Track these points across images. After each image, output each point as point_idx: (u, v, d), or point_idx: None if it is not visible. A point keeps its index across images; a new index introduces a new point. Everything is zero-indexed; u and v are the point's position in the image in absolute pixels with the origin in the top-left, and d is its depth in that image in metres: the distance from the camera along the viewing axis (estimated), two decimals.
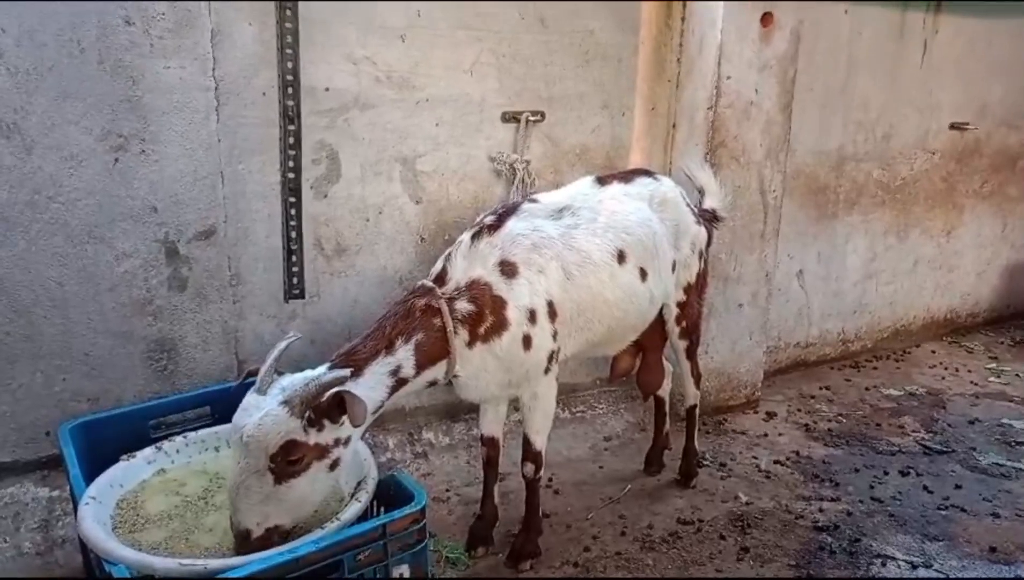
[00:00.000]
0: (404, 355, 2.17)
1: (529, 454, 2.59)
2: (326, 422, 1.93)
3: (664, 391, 3.27)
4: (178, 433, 2.39)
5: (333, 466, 1.99)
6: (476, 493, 2.85)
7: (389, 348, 2.14)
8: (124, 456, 2.22)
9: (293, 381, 1.94)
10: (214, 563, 1.75)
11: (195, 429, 2.40)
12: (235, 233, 2.86)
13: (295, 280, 2.97)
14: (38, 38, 2.45)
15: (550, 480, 3.22)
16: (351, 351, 2.13)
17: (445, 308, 2.24)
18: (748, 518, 2.99)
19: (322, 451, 1.95)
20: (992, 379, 4.57)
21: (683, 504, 3.09)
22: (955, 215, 5.08)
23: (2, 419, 2.64)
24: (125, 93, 2.59)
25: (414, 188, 3.16)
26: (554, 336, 2.44)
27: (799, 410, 4.04)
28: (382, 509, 2.15)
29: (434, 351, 2.23)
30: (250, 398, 1.92)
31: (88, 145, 2.57)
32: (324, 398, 1.91)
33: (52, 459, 2.68)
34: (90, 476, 2.10)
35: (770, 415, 3.95)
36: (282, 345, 2.05)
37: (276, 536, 1.92)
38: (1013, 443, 3.72)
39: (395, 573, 1.96)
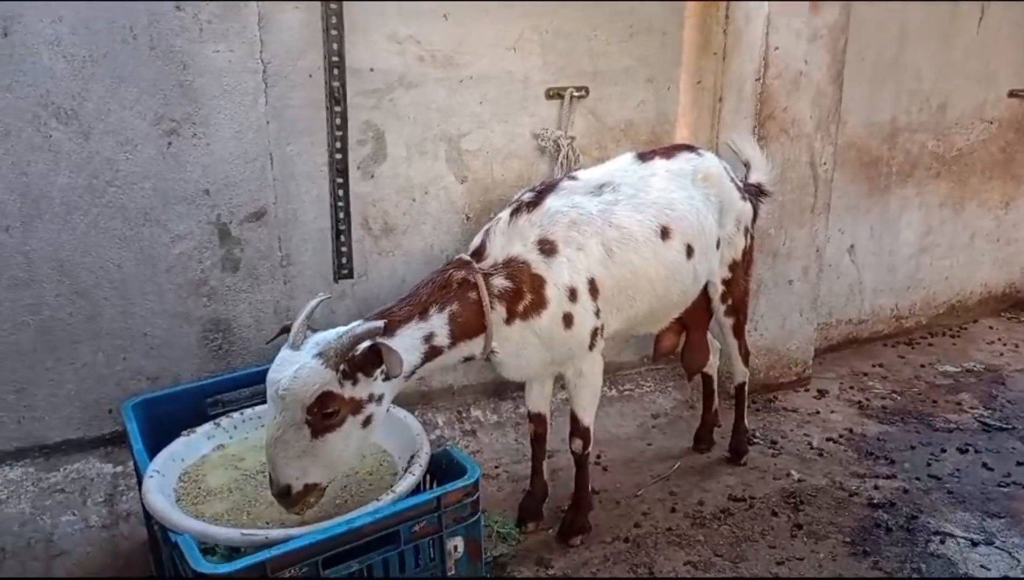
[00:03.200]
0: (438, 323, 2.17)
1: (577, 431, 2.59)
2: (360, 375, 1.94)
3: (711, 369, 3.24)
4: (235, 410, 2.45)
5: (367, 422, 2.01)
6: (525, 470, 2.87)
7: (423, 314, 2.16)
8: (185, 431, 2.28)
9: (327, 336, 1.96)
10: (275, 533, 1.79)
11: (251, 406, 2.46)
12: (285, 214, 2.91)
13: (343, 260, 3.01)
14: (93, 26, 2.51)
15: (598, 457, 3.23)
16: (385, 311, 2.15)
17: (482, 282, 2.24)
18: (801, 495, 2.95)
19: (356, 405, 1.96)
20: None
21: (734, 481, 3.07)
22: (1013, 186, 4.90)
23: (67, 398, 2.74)
24: (176, 78, 2.65)
25: (459, 167, 3.17)
26: (597, 313, 2.42)
27: (851, 387, 3.96)
28: (434, 484, 2.18)
29: (470, 324, 2.23)
30: (284, 353, 1.94)
31: (142, 129, 2.64)
32: (359, 351, 1.92)
33: (115, 436, 2.78)
34: (152, 451, 2.17)
35: (821, 393, 3.89)
36: (314, 302, 2.06)
37: (314, 495, 1.95)
38: None
39: (449, 545, 1.98)
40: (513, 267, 2.32)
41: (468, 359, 2.33)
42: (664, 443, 3.38)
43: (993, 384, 4.02)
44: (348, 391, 1.94)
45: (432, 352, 2.18)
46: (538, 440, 2.74)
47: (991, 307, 5.05)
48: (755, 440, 3.37)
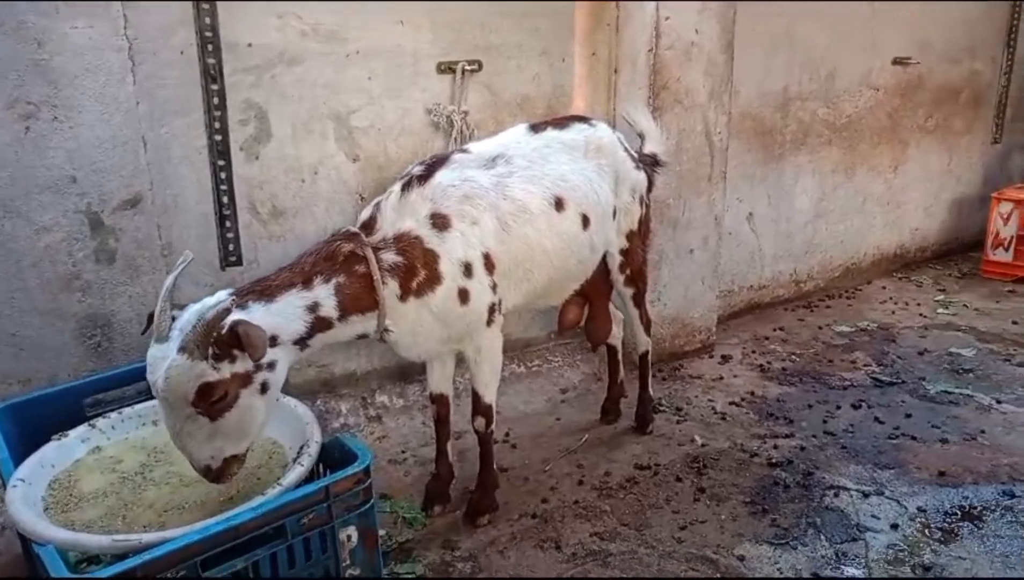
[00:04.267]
0: (323, 293, 2.11)
1: (479, 408, 2.57)
2: (236, 352, 1.86)
3: (615, 339, 3.26)
4: (114, 409, 2.31)
5: (264, 389, 1.96)
6: (432, 453, 2.82)
7: (306, 283, 2.09)
8: (56, 436, 2.13)
9: (186, 321, 1.85)
10: (149, 537, 1.69)
11: (132, 404, 2.32)
12: (163, 200, 2.75)
13: (231, 246, 2.88)
14: None
15: (507, 435, 3.21)
16: (262, 279, 2.09)
17: (371, 256, 2.18)
18: (704, 459, 3.01)
19: (245, 379, 1.90)
20: (940, 311, 4.65)
21: (640, 450, 3.10)
22: (901, 151, 5.12)
23: None
24: (31, 57, 2.45)
25: (350, 145, 3.07)
26: (493, 288, 2.39)
27: (754, 352, 4.07)
28: (328, 473, 2.10)
29: (360, 298, 2.17)
30: (153, 350, 1.85)
31: None
32: (223, 331, 1.84)
33: None
34: (24, 460, 2.02)
35: (725, 358, 3.98)
36: (169, 282, 1.93)
37: (235, 465, 1.94)
38: (960, 371, 3.80)
39: (342, 535, 1.92)
40: (405, 242, 2.26)
41: (362, 337, 2.26)
42: (572, 417, 3.39)
43: (885, 341, 4.19)
44: (228, 370, 1.86)
45: (320, 323, 2.10)
46: (441, 422, 2.70)
47: (883, 268, 5.28)
48: (661, 408, 3.42)
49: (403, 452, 3.09)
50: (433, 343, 2.40)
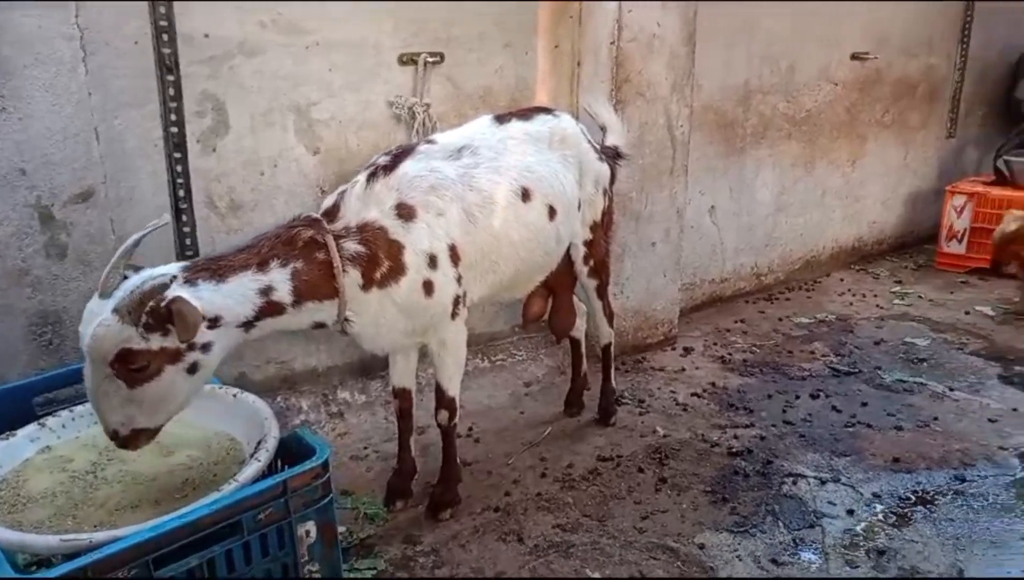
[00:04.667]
0: (279, 278, 2.08)
1: (443, 401, 2.56)
2: (170, 326, 1.84)
3: (579, 332, 3.28)
4: (65, 408, 2.26)
5: (192, 369, 1.93)
6: (395, 449, 2.81)
7: (262, 266, 2.06)
8: (2, 436, 2.08)
9: (132, 284, 1.85)
10: (100, 536, 1.65)
11: (84, 402, 2.27)
12: (117, 194, 2.70)
13: (187, 241, 2.82)
14: None
15: (470, 429, 3.21)
16: (217, 257, 2.07)
17: (332, 244, 2.15)
18: (666, 450, 3.04)
19: (173, 355, 1.88)
20: (896, 302, 4.75)
21: (603, 442, 3.12)
22: (859, 145, 5.21)
23: None
24: None
25: (310, 138, 3.03)
26: (458, 280, 2.38)
27: (715, 344, 4.12)
28: (287, 469, 2.08)
29: (318, 286, 2.14)
30: (91, 303, 1.85)
31: None
32: (161, 304, 1.82)
33: None
34: None
35: (687, 350, 4.02)
36: (130, 242, 1.91)
37: (144, 438, 1.93)
38: (915, 360, 3.89)
39: (300, 531, 1.90)
40: (369, 232, 2.23)
41: (320, 326, 2.23)
42: (536, 410, 3.40)
43: (843, 332, 4.27)
44: (157, 343, 1.84)
45: (271, 308, 2.07)
46: (404, 416, 2.69)
47: (842, 261, 5.37)
48: (624, 400, 3.45)
49: (365, 448, 3.07)
50: (397, 335, 2.38)
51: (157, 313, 1.81)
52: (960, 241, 5.26)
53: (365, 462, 2.98)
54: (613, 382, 3.31)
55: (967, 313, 4.52)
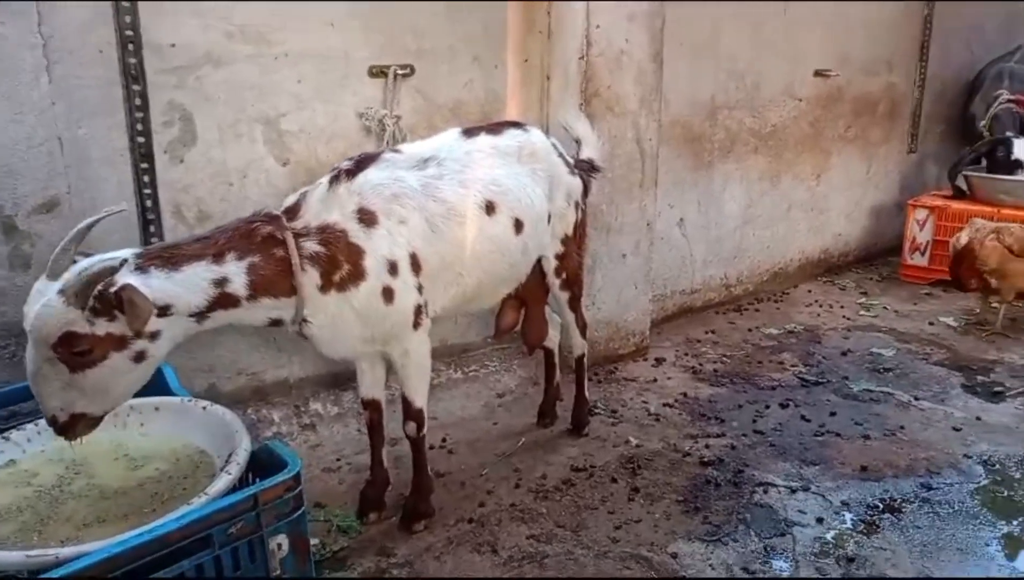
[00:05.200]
0: (234, 270, 2.07)
1: (410, 413, 2.55)
2: (117, 313, 1.83)
3: (551, 342, 3.29)
4: (31, 422, 2.21)
5: (139, 358, 1.92)
6: (367, 460, 2.79)
7: (218, 257, 2.05)
8: None
9: (81, 267, 1.83)
10: (66, 551, 1.62)
11: None
12: (82, 204, 2.66)
13: None
14: None
15: (443, 440, 3.20)
16: (172, 245, 2.06)
17: (291, 241, 2.15)
18: (638, 460, 3.06)
19: (118, 342, 1.87)
20: (863, 313, 4.85)
21: (576, 452, 3.13)
22: (823, 159, 5.33)
23: None
24: None
25: (279, 149, 3.02)
26: (419, 289, 2.38)
27: (686, 354, 4.16)
28: (258, 482, 2.06)
29: (275, 282, 2.13)
30: (39, 283, 1.84)
31: None
32: (110, 289, 1.80)
33: None
34: None
35: (659, 361, 4.06)
36: (83, 225, 1.91)
37: (84, 425, 1.93)
38: (881, 370, 3.97)
39: (272, 544, 1.88)
40: (329, 234, 2.23)
41: (277, 323, 2.23)
42: (509, 421, 3.40)
43: (811, 343, 4.35)
44: (103, 328, 1.83)
45: (225, 299, 2.06)
46: (374, 428, 2.67)
47: (808, 272, 5.47)
48: (596, 411, 3.47)
49: (338, 460, 3.05)
50: (354, 341, 2.37)
51: (105, 298, 1.80)
52: (923, 253, 5.40)
53: (338, 474, 2.96)
54: (586, 393, 3.33)
55: (931, 324, 4.63)
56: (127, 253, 1.94)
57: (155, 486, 2.01)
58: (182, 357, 2.65)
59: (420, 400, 2.54)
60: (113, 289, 1.80)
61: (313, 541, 2.39)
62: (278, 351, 3.18)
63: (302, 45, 2.98)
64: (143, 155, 2.71)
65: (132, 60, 2.62)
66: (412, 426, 2.56)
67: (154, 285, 1.92)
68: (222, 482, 1.87)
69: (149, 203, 2.75)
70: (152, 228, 2.78)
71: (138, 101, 2.66)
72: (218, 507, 1.77)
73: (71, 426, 1.91)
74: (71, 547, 1.65)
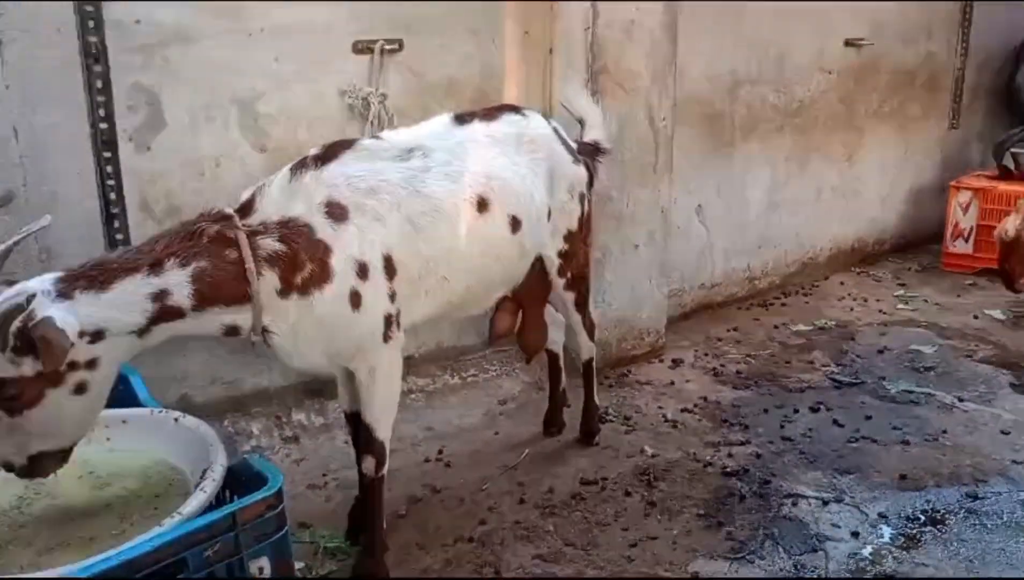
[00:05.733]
0: (176, 280, 2.01)
1: (370, 446, 2.42)
2: None
3: (555, 345, 3.30)
4: None
5: (80, 390, 1.92)
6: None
7: (155, 267, 2.00)
8: None
9: None
10: (27, 578, 1.64)
11: None
12: (40, 198, 2.67)
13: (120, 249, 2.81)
14: None
15: (440, 452, 3.21)
16: (101, 260, 2.01)
17: (243, 240, 2.09)
18: (654, 471, 3.07)
19: (52, 379, 1.86)
20: (900, 306, 4.85)
21: (586, 464, 3.14)
22: (856, 138, 5.32)
23: None
24: None
25: (256, 134, 3.04)
26: (391, 297, 2.33)
27: (707, 354, 4.17)
28: (236, 499, 2.07)
29: (225, 288, 2.08)
30: None
31: None
32: (28, 325, 1.77)
33: None
34: None
35: (676, 362, 4.06)
36: (2, 247, 1.90)
37: (50, 462, 1.95)
38: (921, 369, 3.97)
39: (253, 568, 1.89)
40: (291, 229, 2.17)
41: (233, 333, 2.17)
42: (512, 430, 3.41)
43: (844, 340, 4.35)
44: (31, 367, 1.82)
45: (167, 313, 2.01)
46: (358, 442, 2.67)
47: (841, 262, 5.46)
48: (608, 418, 3.48)
49: (324, 475, 3.06)
50: (316, 355, 2.30)
51: (24, 335, 1.78)
52: (967, 240, 5.39)
53: (324, 491, 2.97)
54: (596, 398, 3.33)
55: (976, 317, 4.63)
56: (48, 280, 1.89)
57: (123, 506, 2.03)
58: (152, 365, 2.65)
59: (383, 431, 2.43)
60: (32, 323, 1.77)
61: (298, 564, 2.40)
62: (256, 357, 3.18)
63: (280, 19, 2.99)
64: (105, 143, 2.72)
65: (93, 39, 2.63)
66: (371, 463, 2.42)
67: (81, 312, 1.87)
68: (197, 501, 1.88)
69: (113, 195, 2.77)
70: (116, 223, 2.79)
71: (99, 84, 2.67)
72: (193, 528, 1.78)
73: (35, 467, 1.91)
74: (32, 573, 1.67)
